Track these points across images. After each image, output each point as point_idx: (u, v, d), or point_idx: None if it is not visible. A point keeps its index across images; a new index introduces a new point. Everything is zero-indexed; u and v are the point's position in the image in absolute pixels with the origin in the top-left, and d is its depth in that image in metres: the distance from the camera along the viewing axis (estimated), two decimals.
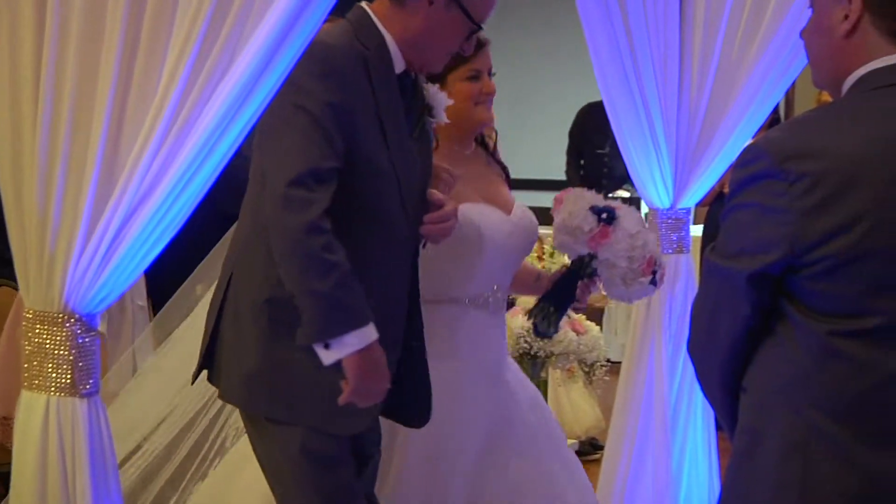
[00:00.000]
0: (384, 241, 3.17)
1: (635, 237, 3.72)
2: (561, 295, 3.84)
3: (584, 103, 9.51)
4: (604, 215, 3.72)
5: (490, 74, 3.73)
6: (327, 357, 2.97)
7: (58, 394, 3.13)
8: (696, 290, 4.60)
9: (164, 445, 4.21)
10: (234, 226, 3.38)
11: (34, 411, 3.06)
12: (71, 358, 3.14)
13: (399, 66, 3.19)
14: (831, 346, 2.33)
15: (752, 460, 2.42)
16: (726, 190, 6.69)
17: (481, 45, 3.65)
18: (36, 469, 3.01)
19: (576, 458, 4.02)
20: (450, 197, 3.36)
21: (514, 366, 4.01)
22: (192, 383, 3.39)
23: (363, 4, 3.21)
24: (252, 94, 3.14)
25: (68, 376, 3.14)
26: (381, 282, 3.15)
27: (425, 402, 3.36)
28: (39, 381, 3.09)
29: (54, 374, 3.14)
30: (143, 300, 3.90)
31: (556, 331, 3.90)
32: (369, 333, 2.96)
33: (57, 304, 3.10)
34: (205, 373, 3.34)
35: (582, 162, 9.60)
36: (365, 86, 3.09)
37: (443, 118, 3.38)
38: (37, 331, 3.09)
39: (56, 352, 3.13)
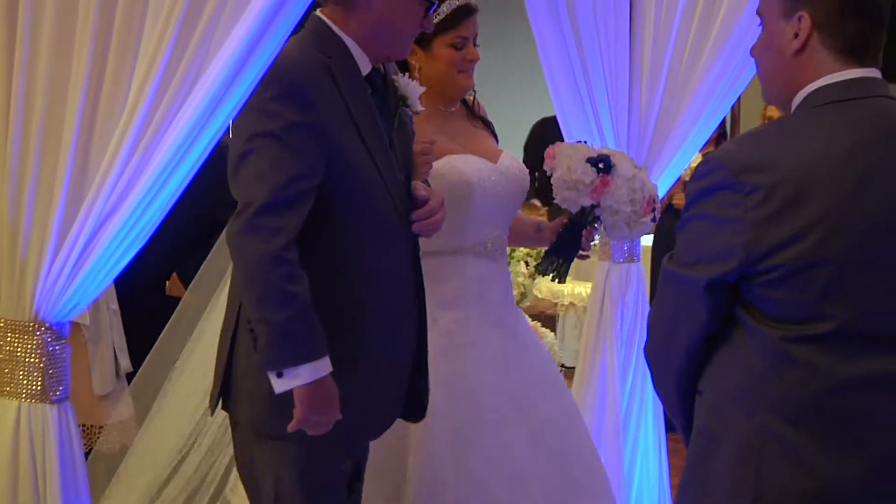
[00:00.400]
0: (383, 246, 3.10)
1: (632, 181, 3.74)
2: (567, 246, 3.87)
3: (539, 118, 9.52)
4: (601, 165, 3.74)
5: (475, 44, 3.68)
6: (279, 385, 2.92)
7: (29, 400, 3.11)
8: (646, 298, 4.66)
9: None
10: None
11: (5, 417, 3.04)
12: (41, 365, 3.12)
13: (365, 67, 3.12)
14: (785, 352, 2.34)
15: (708, 462, 2.43)
16: (675, 202, 6.74)
17: (468, 13, 3.62)
18: (7, 472, 2.99)
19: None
20: (431, 179, 3.34)
21: (527, 322, 3.99)
22: (213, 414, 3.30)
23: (318, 13, 3.14)
24: (222, 103, 3.12)
25: (39, 383, 3.13)
26: (387, 287, 3.10)
27: (426, 398, 3.30)
28: (11, 387, 3.07)
29: (25, 381, 3.12)
30: (115, 304, 3.88)
31: (564, 280, 3.92)
32: (322, 367, 2.89)
33: (28, 312, 3.08)
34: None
35: (536, 175, 9.62)
36: (333, 95, 3.01)
37: (418, 107, 3.31)
38: (8, 339, 3.07)
39: (27, 359, 3.12)
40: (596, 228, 3.88)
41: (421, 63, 3.63)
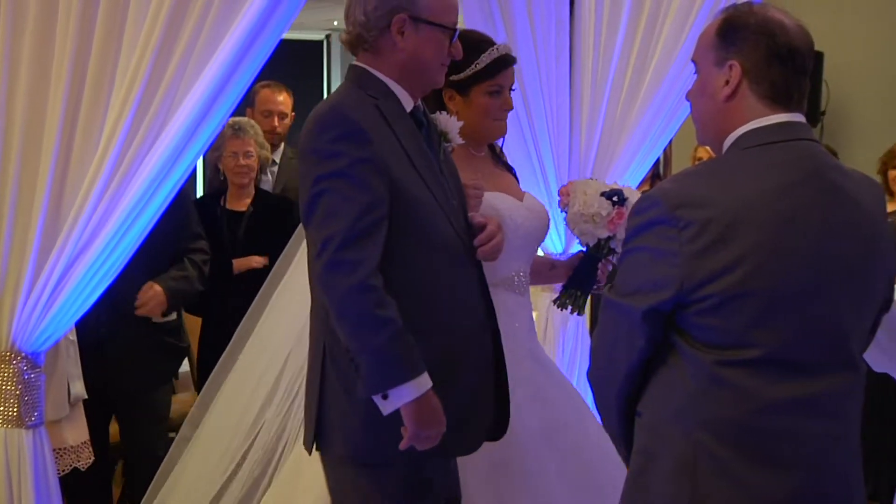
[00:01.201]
0: (450, 269, 3.07)
1: None
2: (585, 279, 3.86)
3: None
4: (615, 198, 3.73)
5: (511, 90, 3.67)
6: (386, 407, 2.88)
7: (5, 425, 3.10)
8: (586, 326, 4.69)
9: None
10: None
11: None
12: (17, 392, 3.11)
13: (408, 104, 3.09)
14: (717, 375, 2.35)
15: (646, 479, 2.44)
16: None
17: (507, 64, 3.62)
18: None
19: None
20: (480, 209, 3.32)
21: (545, 355, 3.92)
22: (310, 454, 3.15)
23: (355, 62, 3.10)
24: (191, 142, 3.14)
25: (15, 409, 3.12)
26: (458, 308, 3.07)
27: (508, 414, 3.26)
28: None
29: (2, 408, 3.11)
30: (73, 334, 3.86)
31: (583, 312, 3.92)
32: (423, 383, 2.85)
33: (4, 343, 3.08)
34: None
35: None
36: (385, 131, 2.99)
37: (458, 140, 3.33)
38: None
39: (4, 387, 3.11)
40: (611, 261, 3.86)
41: (459, 108, 3.62)
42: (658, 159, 5.80)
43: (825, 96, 7.81)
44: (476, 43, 3.60)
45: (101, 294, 3.18)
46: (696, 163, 6.19)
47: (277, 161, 5.90)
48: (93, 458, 4.05)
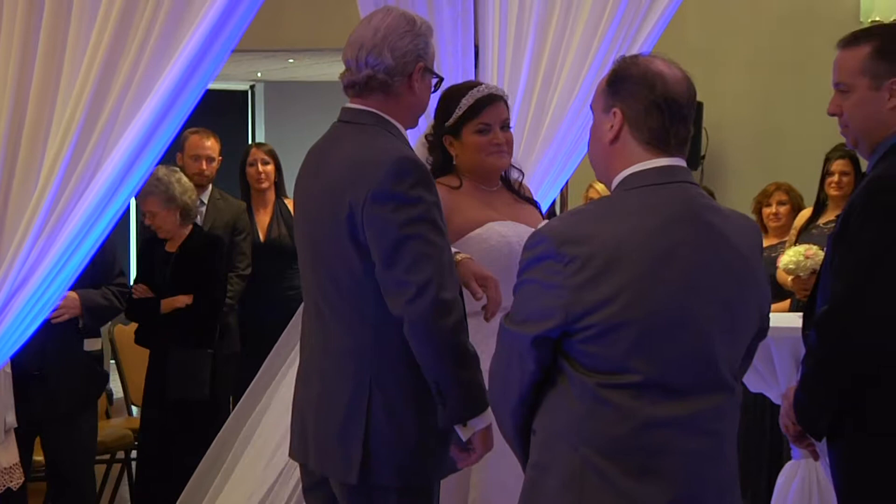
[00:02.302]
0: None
1: None
2: None
3: None
4: None
5: (503, 127, 3.66)
6: (465, 433, 2.89)
7: None
8: None
9: None
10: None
11: None
12: None
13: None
14: (600, 396, 2.37)
15: (538, 490, 2.45)
16: None
17: (489, 102, 3.62)
18: None
19: None
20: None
21: None
22: (356, 483, 2.99)
23: (363, 108, 3.02)
24: (123, 183, 3.13)
25: None
26: None
27: None
28: None
29: None
30: (8, 366, 3.82)
31: None
32: (490, 411, 2.78)
33: None
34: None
35: None
36: None
37: None
38: None
39: None
40: None
41: (458, 151, 3.66)
42: (554, 200, 5.84)
43: (704, 143, 7.94)
44: (463, 89, 3.67)
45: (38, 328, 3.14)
46: (587, 201, 6.26)
47: (205, 201, 5.88)
48: (23, 478, 4.00)
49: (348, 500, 3.02)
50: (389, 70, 2.95)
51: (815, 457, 3.11)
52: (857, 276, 2.81)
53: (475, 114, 3.62)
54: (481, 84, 3.74)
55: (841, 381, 2.86)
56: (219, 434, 4.53)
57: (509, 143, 3.71)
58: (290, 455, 3.20)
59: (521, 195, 3.85)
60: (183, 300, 5.17)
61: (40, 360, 4.39)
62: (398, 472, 2.96)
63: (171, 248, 5.29)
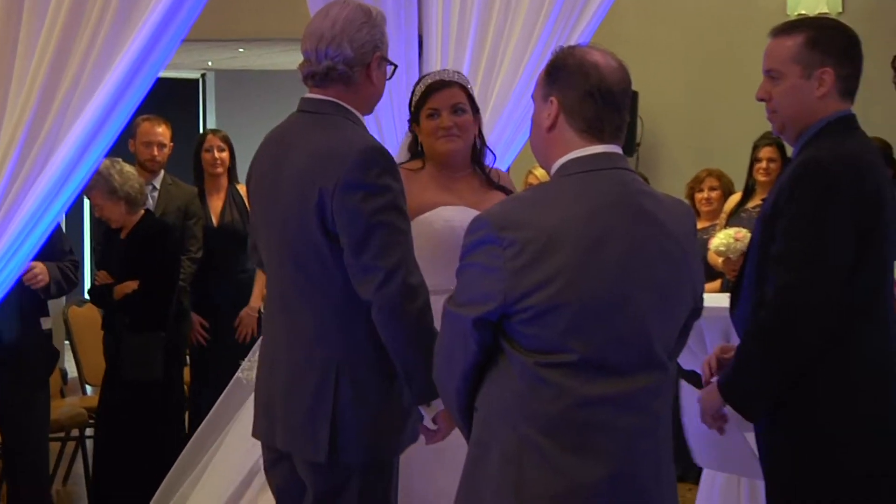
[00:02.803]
0: None
1: None
2: None
3: None
4: None
5: (456, 111, 3.62)
6: (429, 412, 2.92)
7: None
8: None
9: None
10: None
11: None
12: None
13: None
14: (538, 375, 2.38)
15: (480, 466, 2.45)
16: None
17: (437, 88, 3.61)
18: None
19: None
20: None
21: None
22: (325, 461, 2.97)
23: (325, 98, 3.00)
24: (77, 168, 3.10)
25: None
26: None
27: None
28: None
29: None
30: None
31: None
32: None
33: None
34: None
35: None
36: None
37: None
38: None
39: None
40: None
41: (419, 134, 3.69)
42: None
43: (640, 131, 7.99)
44: (425, 77, 3.70)
45: None
46: (527, 187, 6.28)
47: (157, 187, 5.84)
48: None
49: (314, 478, 3.01)
50: (349, 61, 2.95)
51: (722, 432, 3.09)
52: (804, 263, 2.78)
53: (425, 100, 3.64)
54: (444, 71, 3.75)
55: (787, 365, 2.83)
56: (198, 430, 4.50)
57: (461, 126, 3.66)
58: (253, 434, 3.18)
59: (492, 182, 3.81)
60: (132, 285, 5.13)
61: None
62: (365, 450, 2.96)
63: (123, 235, 5.26)
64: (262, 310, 4.77)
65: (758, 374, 2.88)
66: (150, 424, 5.01)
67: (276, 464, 3.13)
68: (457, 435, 2.82)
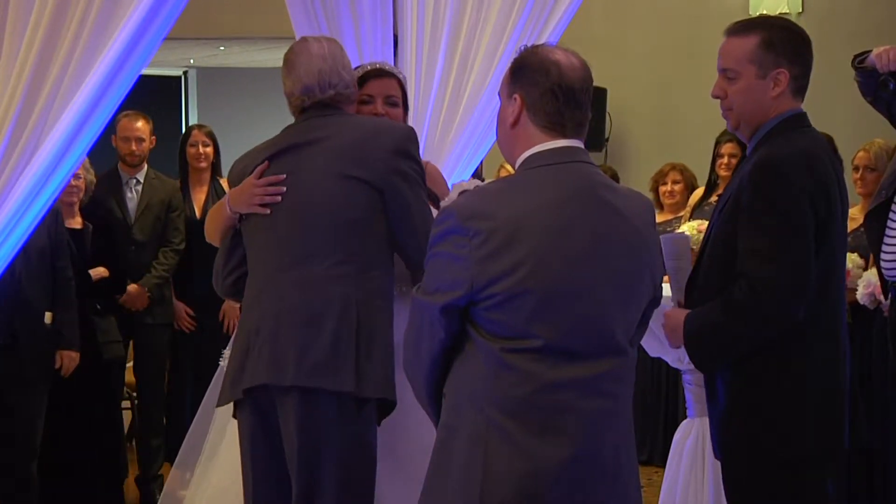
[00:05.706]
0: None
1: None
2: None
3: None
4: None
5: (389, 103, 3.59)
6: None
7: None
8: None
9: None
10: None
11: None
12: None
13: None
14: (504, 361, 2.40)
15: (448, 449, 2.48)
16: None
17: (374, 76, 3.60)
18: None
19: None
20: None
21: None
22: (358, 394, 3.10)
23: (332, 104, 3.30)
24: (62, 161, 3.10)
25: None
26: None
27: None
28: None
29: None
30: None
31: None
32: None
33: None
34: None
35: None
36: None
37: None
38: None
39: None
40: None
41: None
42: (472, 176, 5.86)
43: (608, 127, 8.02)
44: (359, 66, 3.67)
45: None
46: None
47: (141, 181, 5.84)
48: None
49: (338, 410, 3.07)
50: (348, 84, 3.30)
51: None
52: (777, 255, 2.78)
53: (361, 85, 3.57)
54: (384, 62, 3.76)
55: (751, 343, 2.83)
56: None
57: (392, 118, 3.59)
58: (232, 387, 3.18)
59: None
60: (100, 271, 5.30)
61: (9, 330, 4.43)
62: (382, 385, 3.09)
63: (70, 224, 5.25)
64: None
65: (722, 342, 2.87)
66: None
67: (243, 405, 3.18)
68: (421, 449, 2.87)
